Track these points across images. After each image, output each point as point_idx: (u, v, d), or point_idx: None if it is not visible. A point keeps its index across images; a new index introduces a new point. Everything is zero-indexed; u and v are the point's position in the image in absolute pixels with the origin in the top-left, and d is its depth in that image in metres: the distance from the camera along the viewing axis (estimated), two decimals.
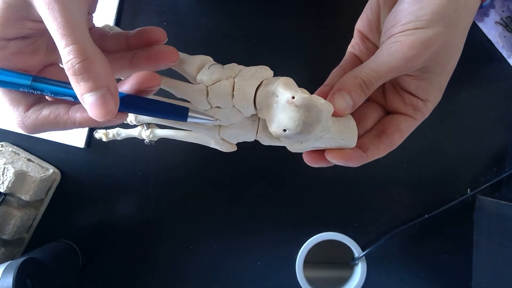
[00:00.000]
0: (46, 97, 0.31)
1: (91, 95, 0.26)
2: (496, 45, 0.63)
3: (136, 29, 0.34)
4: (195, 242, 0.65)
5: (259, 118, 0.34)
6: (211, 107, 0.33)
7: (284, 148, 0.36)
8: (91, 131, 0.63)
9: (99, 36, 0.34)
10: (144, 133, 0.45)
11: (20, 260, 0.49)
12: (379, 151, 0.35)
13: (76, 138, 0.63)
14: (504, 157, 0.64)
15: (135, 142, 0.60)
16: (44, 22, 0.26)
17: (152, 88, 0.30)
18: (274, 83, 0.32)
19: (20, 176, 0.58)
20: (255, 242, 0.66)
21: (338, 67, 0.39)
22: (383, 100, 0.37)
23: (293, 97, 0.30)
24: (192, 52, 0.35)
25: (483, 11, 0.63)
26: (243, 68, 0.34)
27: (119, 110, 0.28)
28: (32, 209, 0.62)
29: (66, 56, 0.26)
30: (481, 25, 0.63)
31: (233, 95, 0.32)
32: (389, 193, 0.66)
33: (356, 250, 0.64)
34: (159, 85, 0.30)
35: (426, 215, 0.64)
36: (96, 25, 0.36)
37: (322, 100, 0.30)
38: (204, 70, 0.33)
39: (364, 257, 0.64)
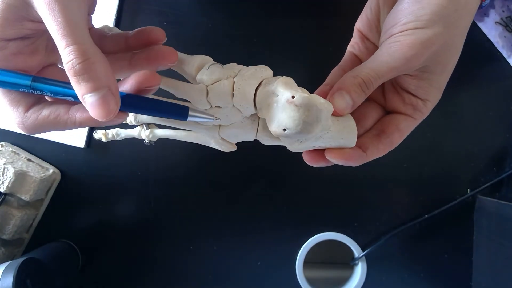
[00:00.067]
0: (46, 97, 0.31)
1: (92, 96, 0.26)
2: (496, 45, 0.63)
3: (135, 30, 0.34)
4: (195, 242, 0.65)
5: (259, 117, 0.34)
6: (211, 106, 0.33)
7: (284, 147, 0.36)
8: (91, 131, 0.63)
9: (98, 37, 0.34)
10: (143, 133, 0.45)
11: (20, 260, 0.49)
12: (378, 150, 0.35)
13: (76, 138, 0.63)
14: (504, 157, 0.64)
15: (135, 142, 0.60)
16: (44, 22, 0.26)
17: (152, 87, 0.30)
18: (274, 83, 0.32)
19: (20, 176, 0.58)
20: (255, 242, 0.66)
21: (338, 67, 0.39)
22: (382, 99, 0.37)
23: (293, 97, 0.30)
24: (192, 52, 0.35)
25: (483, 11, 0.63)
26: (243, 67, 0.34)
27: (119, 110, 0.28)
28: (32, 209, 0.62)
29: (67, 56, 0.26)
30: (481, 25, 0.63)
31: (233, 94, 0.32)
32: (389, 193, 0.66)
33: (356, 250, 0.64)
34: (158, 84, 0.30)
35: (426, 215, 0.64)
36: (95, 26, 0.36)
37: (322, 100, 0.30)
38: (204, 70, 0.33)
39: (364, 257, 0.64)
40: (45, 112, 0.29)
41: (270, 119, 0.32)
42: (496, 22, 0.62)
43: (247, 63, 0.35)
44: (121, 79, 0.31)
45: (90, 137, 0.63)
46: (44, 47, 0.31)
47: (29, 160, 0.62)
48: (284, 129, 0.31)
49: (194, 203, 0.65)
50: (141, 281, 0.66)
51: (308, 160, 0.36)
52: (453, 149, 0.65)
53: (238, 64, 0.35)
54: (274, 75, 0.34)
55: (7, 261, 0.50)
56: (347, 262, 0.66)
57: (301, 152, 0.36)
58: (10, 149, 0.62)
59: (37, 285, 0.50)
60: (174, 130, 0.42)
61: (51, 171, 0.62)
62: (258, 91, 0.32)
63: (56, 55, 0.32)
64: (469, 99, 0.65)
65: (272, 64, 0.35)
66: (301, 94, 0.30)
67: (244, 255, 0.66)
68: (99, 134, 0.50)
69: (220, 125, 0.36)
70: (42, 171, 0.61)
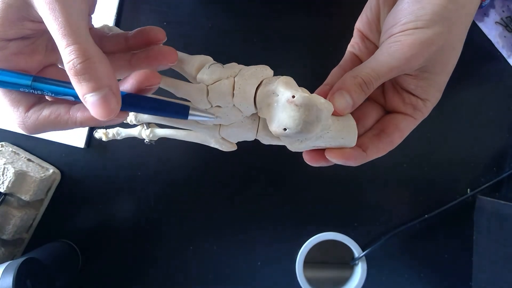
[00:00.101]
0: (46, 97, 0.31)
1: (93, 95, 0.26)
2: (496, 45, 0.63)
3: (135, 30, 0.34)
4: (195, 242, 0.65)
5: (259, 117, 0.34)
6: (211, 106, 0.33)
7: (284, 147, 0.36)
8: (91, 131, 0.63)
9: (98, 37, 0.34)
10: (144, 133, 0.45)
11: (20, 260, 0.49)
12: (378, 150, 0.35)
13: (76, 138, 0.63)
14: (504, 157, 0.64)
15: (135, 142, 0.60)
16: (45, 22, 0.26)
17: (152, 86, 0.30)
18: (274, 82, 0.32)
19: (20, 176, 0.58)
20: (255, 242, 0.66)
21: (338, 67, 0.39)
22: (382, 99, 0.38)
23: (293, 96, 0.30)
24: (192, 52, 0.35)
25: (483, 10, 0.63)
26: (243, 67, 0.34)
27: (120, 109, 0.28)
28: (32, 209, 0.62)
29: (68, 56, 0.26)
30: (481, 25, 0.63)
31: (233, 94, 0.32)
32: (389, 193, 0.66)
33: (356, 250, 0.64)
34: (159, 83, 0.30)
35: (426, 215, 0.64)
36: (95, 26, 0.36)
37: (322, 99, 0.30)
38: (205, 70, 0.33)
39: (364, 257, 0.64)
40: (46, 112, 0.29)
41: (271, 118, 0.32)
42: (496, 22, 0.62)
43: (247, 63, 0.35)
44: (121, 79, 0.31)
45: (90, 137, 0.63)
46: (44, 47, 0.31)
47: (29, 160, 0.62)
48: (285, 129, 0.31)
49: (194, 203, 0.65)
50: (141, 281, 0.66)
51: (308, 159, 0.36)
52: (453, 149, 0.65)
53: (238, 63, 0.35)
54: (274, 75, 0.34)
55: (7, 261, 0.50)
56: (347, 262, 0.66)
57: (301, 152, 0.36)
58: (10, 149, 0.62)
59: (37, 285, 0.50)
60: (175, 129, 0.42)
61: (51, 171, 0.62)
62: (258, 91, 0.32)
63: (56, 55, 0.32)
64: (469, 99, 0.65)
65: (272, 64, 0.35)
66: (302, 93, 0.30)
67: (244, 255, 0.66)
68: (99, 133, 0.50)
69: (220, 124, 0.36)
70: (42, 171, 0.61)
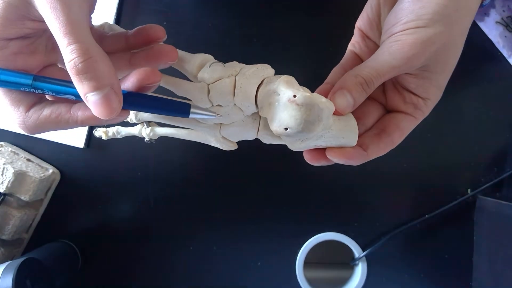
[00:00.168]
0: (47, 97, 0.31)
1: (94, 94, 0.26)
2: (497, 45, 0.63)
3: (135, 28, 0.34)
4: (195, 242, 0.65)
5: (260, 116, 0.34)
6: (212, 105, 0.33)
7: (284, 146, 0.35)
8: (90, 131, 0.63)
9: (98, 36, 0.34)
10: (144, 131, 0.44)
11: (20, 260, 0.49)
12: (379, 149, 0.35)
13: (75, 138, 0.63)
14: (504, 157, 0.64)
15: (134, 142, 0.60)
16: (46, 21, 0.26)
17: (152, 84, 0.29)
18: (275, 82, 0.32)
19: (19, 176, 0.58)
20: (255, 242, 0.66)
21: (339, 66, 0.39)
22: (383, 98, 0.37)
23: (294, 96, 0.30)
24: (192, 51, 0.35)
25: (483, 10, 0.63)
26: (244, 66, 0.34)
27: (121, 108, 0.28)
28: (31, 209, 0.62)
29: (69, 55, 0.25)
30: (481, 24, 0.63)
31: (234, 93, 0.32)
32: (389, 193, 0.66)
33: (356, 250, 0.63)
34: (159, 81, 0.30)
35: (426, 215, 0.64)
36: (95, 25, 0.36)
37: (323, 99, 0.30)
38: (205, 68, 0.33)
39: (364, 257, 0.64)
40: (47, 111, 0.29)
41: (272, 118, 0.32)
42: (496, 22, 0.62)
43: (247, 63, 0.34)
44: (121, 78, 0.31)
45: (89, 137, 0.63)
46: (44, 46, 0.31)
47: (28, 160, 0.62)
48: (286, 128, 0.31)
49: (194, 203, 0.65)
50: (141, 281, 0.66)
51: (309, 159, 0.36)
52: (453, 149, 0.65)
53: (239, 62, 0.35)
54: (275, 74, 0.34)
55: (7, 261, 0.50)
56: (347, 262, 0.66)
57: (302, 152, 0.36)
58: (10, 149, 0.62)
59: (37, 285, 0.50)
60: (175, 128, 0.42)
61: (50, 171, 0.62)
62: (259, 90, 0.32)
63: (56, 55, 0.32)
64: (469, 99, 0.65)
65: (272, 63, 0.35)
66: (303, 93, 0.30)
67: (244, 255, 0.66)
68: (99, 132, 0.50)
69: (221, 123, 0.35)
70: (42, 171, 0.61)
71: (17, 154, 0.62)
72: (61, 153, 0.64)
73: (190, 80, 0.35)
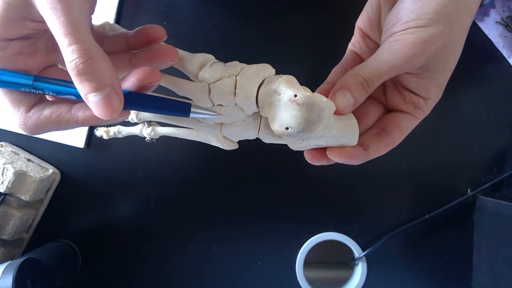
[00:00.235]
0: (47, 97, 0.31)
1: (95, 95, 0.26)
2: (497, 45, 0.63)
3: (135, 29, 0.34)
4: (195, 242, 0.65)
5: (260, 116, 0.34)
6: (213, 105, 0.33)
7: (284, 146, 0.36)
8: (90, 131, 0.63)
9: (98, 37, 0.34)
10: (145, 131, 0.44)
11: (20, 260, 0.49)
12: (380, 149, 0.35)
13: (75, 138, 0.63)
14: (504, 157, 0.64)
15: (135, 141, 0.60)
16: (46, 21, 0.26)
17: (152, 83, 0.29)
18: (276, 81, 0.32)
19: (19, 176, 0.58)
20: (255, 242, 0.66)
21: (339, 65, 0.39)
22: (383, 98, 0.38)
23: (295, 95, 0.30)
24: (192, 51, 0.35)
25: (483, 10, 0.63)
26: (245, 66, 0.34)
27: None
28: (31, 209, 0.62)
29: (70, 55, 0.25)
30: (481, 24, 0.63)
31: (235, 93, 0.32)
32: (389, 193, 0.66)
33: (356, 250, 0.63)
34: (159, 80, 0.30)
35: (426, 215, 0.64)
36: (95, 25, 0.36)
37: (324, 99, 0.30)
38: (206, 68, 0.33)
39: (364, 257, 0.64)
40: (47, 112, 0.29)
41: (272, 117, 0.32)
42: (496, 22, 0.63)
43: (247, 63, 0.35)
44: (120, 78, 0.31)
45: (90, 137, 0.63)
46: (44, 47, 0.31)
47: (28, 160, 0.62)
48: (287, 128, 0.31)
49: (194, 203, 0.65)
50: (141, 281, 0.66)
51: (309, 158, 0.36)
52: (453, 149, 0.65)
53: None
54: (275, 74, 0.34)
55: (7, 261, 0.50)
56: (347, 262, 0.66)
57: (302, 151, 0.36)
58: (10, 149, 0.62)
59: (37, 285, 0.50)
60: (176, 128, 0.42)
61: (50, 171, 0.62)
62: (260, 90, 0.32)
63: (56, 55, 0.32)
64: (469, 99, 0.65)
65: (272, 63, 0.35)
66: (304, 93, 0.30)
67: (244, 255, 0.66)
68: (100, 132, 0.50)
69: (222, 123, 0.35)
70: (42, 171, 0.61)
71: (17, 154, 0.62)
72: (61, 153, 0.63)
73: (191, 80, 0.35)
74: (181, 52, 0.34)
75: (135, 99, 0.30)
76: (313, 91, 0.34)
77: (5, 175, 0.57)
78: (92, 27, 0.35)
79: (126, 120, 0.32)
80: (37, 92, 0.29)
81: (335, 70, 0.39)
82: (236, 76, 0.33)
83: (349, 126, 0.33)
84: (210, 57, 0.34)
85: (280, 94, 0.31)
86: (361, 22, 0.39)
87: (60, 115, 0.29)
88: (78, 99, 0.28)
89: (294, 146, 0.34)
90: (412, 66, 0.33)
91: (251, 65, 0.34)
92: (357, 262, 0.65)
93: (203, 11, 0.63)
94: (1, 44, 0.28)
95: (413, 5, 0.32)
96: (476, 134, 0.65)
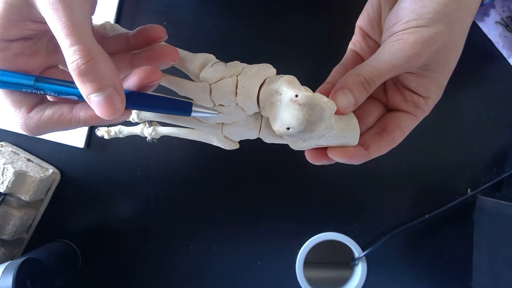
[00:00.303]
0: (48, 97, 0.31)
1: (97, 95, 0.26)
2: (496, 45, 0.63)
3: (136, 29, 0.34)
4: (195, 242, 0.65)
5: (261, 116, 0.34)
6: (214, 105, 0.33)
7: (285, 146, 0.36)
8: (90, 131, 0.63)
9: (98, 37, 0.34)
10: (146, 131, 0.44)
11: (20, 260, 0.49)
12: (380, 148, 0.35)
13: (75, 138, 0.63)
14: (504, 157, 0.64)
15: (135, 141, 0.60)
16: (48, 22, 0.26)
17: (153, 83, 0.29)
18: (277, 81, 0.32)
19: (19, 176, 0.57)
20: (255, 242, 0.66)
21: (339, 65, 0.39)
22: (384, 97, 0.38)
23: (296, 96, 0.30)
24: (193, 51, 0.35)
25: (483, 10, 0.63)
26: (246, 66, 0.34)
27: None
28: (31, 209, 0.62)
29: (71, 56, 0.25)
30: (481, 24, 0.63)
31: (236, 93, 0.32)
32: (389, 193, 0.66)
33: (356, 250, 0.64)
34: (159, 79, 0.30)
35: (426, 215, 0.64)
36: (95, 26, 0.36)
37: (325, 99, 0.30)
38: (207, 68, 0.33)
39: (364, 257, 0.64)
40: (48, 112, 0.29)
41: (274, 117, 0.32)
42: (496, 22, 0.63)
43: (247, 63, 0.35)
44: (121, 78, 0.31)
45: (90, 137, 0.63)
46: (45, 48, 0.31)
47: (28, 160, 0.62)
48: (288, 128, 0.31)
49: (194, 203, 0.65)
50: (141, 281, 0.66)
51: (310, 158, 0.36)
52: (453, 149, 0.65)
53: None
54: (276, 74, 0.34)
55: (7, 261, 0.50)
56: (347, 262, 0.66)
57: (302, 151, 0.36)
58: (10, 149, 0.62)
59: (37, 285, 0.50)
60: (177, 127, 0.42)
61: (50, 171, 0.62)
62: (261, 90, 0.32)
63: (57, 56, 0.32)
64: (469, 99, 0.65)
65: (273, 63, 0.35)
66: (305, 93, 0.30)
67: (244, 255, 0.66)
68: (101, 132, 0.50)
69: (223, 123, 0.36)
70: (42, 171, 0.61)
71: (17, 154, 0.62)
72: (61, 153, 0.63)
73: (192, 80, 0.35)
74: (182, 52, 0.34)
75: (137, 99, 0.30)
76: (313, 91, 0.34)
77: (5, 175, 0.57)
78: (92, 28, 0.35)
79: (127, 119, 0.32)
80: (38, 93, 0.29)
81: (336, 70, 0.39)
82: (237, 76, 0.33)
83: (350, 126, 0.33)
84: (211, 57, 0.34)
85: (281, 94, 0.31)
86: (362, 21, 0.39)
87: (62, 115, 0.29)
88: (80, 99, 0.29)
89: (295, 146, 0.34)
90: (413, 66, 0.33)
91: (252, 65, 0.34)
92: (357, 262, 0.65)
93: (203, 11, 0.63)
94: (2, 45, 0.28)
95: (413, 5, 0.32)
96: (476, 134, 0.65)
